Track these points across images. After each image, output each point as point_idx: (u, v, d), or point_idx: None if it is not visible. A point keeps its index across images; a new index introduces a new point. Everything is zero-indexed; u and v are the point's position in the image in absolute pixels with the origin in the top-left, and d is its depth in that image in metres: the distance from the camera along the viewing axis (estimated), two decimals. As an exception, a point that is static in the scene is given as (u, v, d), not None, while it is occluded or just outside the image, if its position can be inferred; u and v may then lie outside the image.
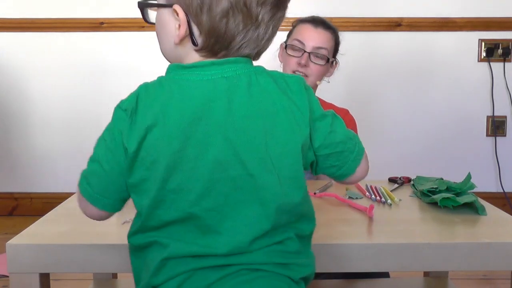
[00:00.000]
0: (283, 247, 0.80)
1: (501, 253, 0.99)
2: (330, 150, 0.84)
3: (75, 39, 2.88)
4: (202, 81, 0.78)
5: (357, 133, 1.77)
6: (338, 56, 1.77)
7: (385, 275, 1.57)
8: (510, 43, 2.86)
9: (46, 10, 2.85)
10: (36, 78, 2.91)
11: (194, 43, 0.79)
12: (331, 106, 1.78)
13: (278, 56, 1.73)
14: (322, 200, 1.28)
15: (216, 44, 0.79)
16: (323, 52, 1.67)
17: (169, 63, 0.85)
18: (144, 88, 0.80)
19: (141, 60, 2.80)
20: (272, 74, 0.82)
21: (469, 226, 1.10)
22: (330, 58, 1.69)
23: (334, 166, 0.86)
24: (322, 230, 1.06)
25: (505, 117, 2.92)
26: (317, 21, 1.71)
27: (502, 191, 2.90)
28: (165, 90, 0.78)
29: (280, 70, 1.71)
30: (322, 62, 1.67)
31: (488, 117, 2.93)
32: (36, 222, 1.09)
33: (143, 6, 0.86)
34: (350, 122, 1.76)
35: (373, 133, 2.89)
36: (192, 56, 0.81)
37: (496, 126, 2.91)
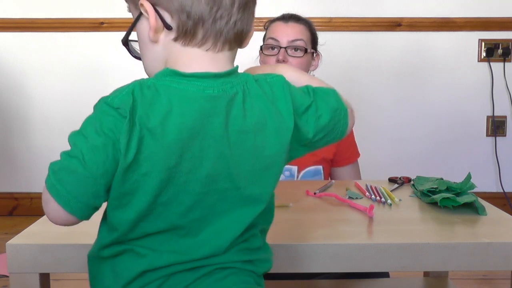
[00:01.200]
0: (248, 244, 0.82)
1: (501, 253, 0.99)
2: (323, 132, 0.86)
3: (75, 39, 2.88)
4: (203, 94, 0.75)
5: (353, 132, 1.77)
6: (320, 48, 1.74)
7: (385, 275, 1.57)
8: (510, 43, 2.86)
9: (46, 10, 2.85)
10: (36, 78, 2.91)
11: (167, 27, 0.77)
12: None
13: (260, 63, 1.73)
14: (322, 200, 1.28)
15: (188, 20, 0.76)
16: (300, 43, 1.65)
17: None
18: (139, 88, 0.74)
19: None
20: (258, 81, 0.81)
21: (469, 226, 1.10)
22: (308, 49, 1.66)
23: (328, 141, 0.88)
24: (322, 230, 1.06)
25: (505, 117, 2.92)
26: (287, 17, 1.69)
27: (502, 191, 2.90)
28: (163, 99, 0.74)
29: None
30: (300, 54, 1.64)
31: (488, 117, 2.93)
32: (36, 222, 1.08)
33: (126, 40, 0.84)
34: None
35: (373, 133, 2.89)
36: (179, 51, 0.78)
37: (496, 126, 2.91)
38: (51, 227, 1.05)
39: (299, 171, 1.65)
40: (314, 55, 1.71)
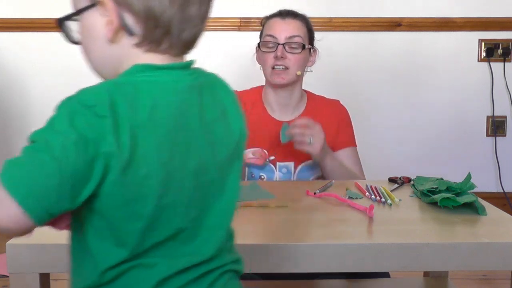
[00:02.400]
0: (231, 241, 0.82)
1: (501, 253, 0.99)
2: None
3: (75, 39, 2.88)
4: (182, 84, 0.75)
5: (351, 123, 1.77)
6: (320, 48, 1.75)
7: (385, 275, 1.57)
8: (510, 43, 2.86)
9: (46, 10, 2.85)
10: (36, 78, 2.91)
11: (130, 32, 0.73)
12: (321, 98, 1.78)
13: (256, 59, 1.73)
14: (322, 200, 1.28)
15: (156, 28, 0.73)
16: (297, 39, 1.66)
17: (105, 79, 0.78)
18: (114, 86, 0.71)
19: (141, 60, 2.80)
20: (205, 70, 0.82)
21: (469, 226, 1.10)
22: (306, 45, 1.67)
23: None
24: (322, 230, 1.06)
25: (505, 117, 2.92)
26: (284, 13, 1.70)
27: (502, 191, 2.90)
28: (145, 93, 0.71)
29: (260, 73, 1.71)
30: (298, 50, 1.66)
31: (488, 117, 2.93)
32: (36, 222, 1.08)
33: (64, 20, 0.79)
34: (342, 112, 1.76)
35: (373, 133, 2.89)
36: (138, 57, 0.75)
37: (496, 126, 2.91)
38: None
39: (295, 167, 1.66)
40: (311, 51, 1.72)
